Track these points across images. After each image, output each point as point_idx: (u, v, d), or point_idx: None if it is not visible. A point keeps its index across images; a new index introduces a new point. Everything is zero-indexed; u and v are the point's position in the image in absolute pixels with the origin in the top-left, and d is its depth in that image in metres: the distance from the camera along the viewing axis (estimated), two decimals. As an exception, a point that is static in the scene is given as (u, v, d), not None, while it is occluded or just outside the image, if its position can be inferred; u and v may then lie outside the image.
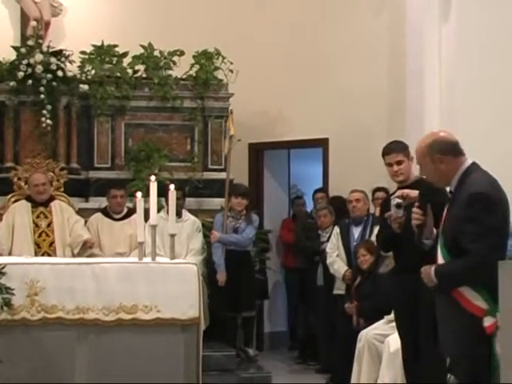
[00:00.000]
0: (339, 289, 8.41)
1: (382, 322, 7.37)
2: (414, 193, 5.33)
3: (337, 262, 8.37)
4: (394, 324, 6.90)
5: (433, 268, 4.53)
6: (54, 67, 9.20)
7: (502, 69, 7.70)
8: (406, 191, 5.43)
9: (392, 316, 7.00)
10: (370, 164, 8.87)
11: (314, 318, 9.32)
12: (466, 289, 4.40)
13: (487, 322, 4.38)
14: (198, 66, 9.63)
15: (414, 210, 4.76)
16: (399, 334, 5.96)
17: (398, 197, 5.43)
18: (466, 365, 4.42)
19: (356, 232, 8.41)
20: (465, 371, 4.47)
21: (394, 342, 6.68)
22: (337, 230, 8.52)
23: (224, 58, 9.57)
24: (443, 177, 4.59)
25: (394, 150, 5.90)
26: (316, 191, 10.11)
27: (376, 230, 7.99)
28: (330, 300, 8.56)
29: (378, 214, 8.45)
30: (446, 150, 4.55)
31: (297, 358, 9.73)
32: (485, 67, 7.76)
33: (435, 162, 4.56)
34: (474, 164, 4.57)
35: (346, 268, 8.29)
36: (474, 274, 4.38)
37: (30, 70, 9.16)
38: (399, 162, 5.85)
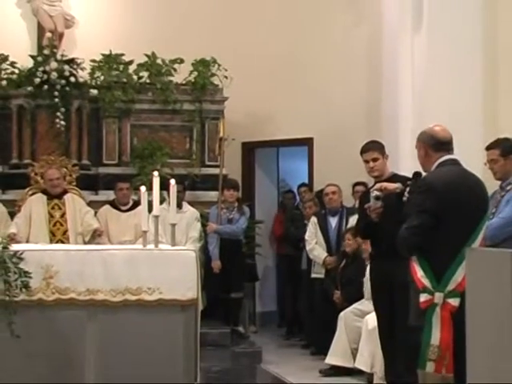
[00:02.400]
0: (318, 273, 8.42)
1: (362, 300, 7.39)
2: (392, 185, 5.35)
3: (316, 248, 8.37)
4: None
5: None
6: (67, 74, 9.18)
7: (466, 75, 7.71)
8: (384, 184, 5.44)
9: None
10: (350, 161, 8.84)
11: (299, 298, 9.33)
12: (414, 260, 4.46)
13: (423, 297, 4.42)
14: (196, 73, 9.61)
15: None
16: (376, 312, 5.96)
17: (376, 189, 5.43)
18: (415, 333, 4.54)
19: (333, 221, 8.43)
20: (409, 338, 4.64)
21: (372, 320, 6.69)
22: (314, 219, 8.51)
23: (220, 65, 9.56)
24: (423, 164, 4.71)
25: (371, 148, 5.91)
26: (300, 186, 10.13)
27: (351, 219, 8.07)
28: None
29: (358, 205, 8.51)
30: (429, 142, 4.65)
31: (285, 335, 9.73)
32: (452, 75, 7.76)
33: (420, 148, 4.69)
34: (449, 160, 4.61)
35: (325, 254, 8.30)
36: (400, 245, 4.54)
37: (45, 77, 9.14)
38: (375, 160, 5.85)
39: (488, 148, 5.73)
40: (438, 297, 4.37)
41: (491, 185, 5.32)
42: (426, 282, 4.40)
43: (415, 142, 4.81)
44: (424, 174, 4.83)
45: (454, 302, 4.33)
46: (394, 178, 5.78)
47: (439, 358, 4.33)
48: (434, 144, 4.63)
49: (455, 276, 4.33)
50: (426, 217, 4.42)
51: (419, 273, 4.43)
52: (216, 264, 8.51)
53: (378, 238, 5.74)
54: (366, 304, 7.19)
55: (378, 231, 5.62)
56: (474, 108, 7.64)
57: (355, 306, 7.40)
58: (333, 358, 7.38)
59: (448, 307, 4.35)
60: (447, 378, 4.35)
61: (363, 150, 5.93)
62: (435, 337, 4.35)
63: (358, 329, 7.14)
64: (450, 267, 4.35)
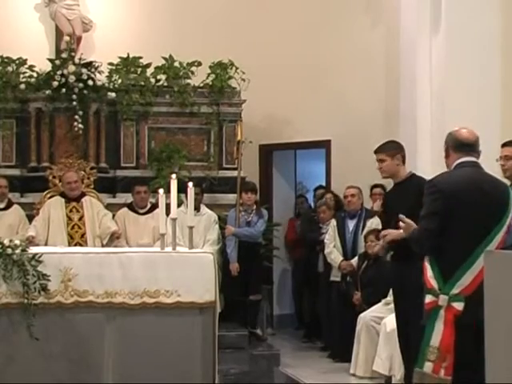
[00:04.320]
0: (336, 276, 8.41)
1: (379, 305, 7.37)
2: (395, 234, 5.25)
3: (333, 252, 8.35)
4: (389, 306, 6.96)
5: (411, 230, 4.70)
6: (85, 77, 9.22)
7: (485, 76, 7.70)
8: (388, 235, 5.38)
9: (388, 299, 7.05)
10: (367, 163, 8.79)
11: (317, 301, 9.32)
12: (427, 263, 4.46)
13: (427, 299, 4.41)
14: (213, 76, 9.63)
15: None
16: (395, 314, 5.97)
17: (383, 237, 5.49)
18: (418, 330, 4.63)
19: (351, 224, 8.40)
20: (415, 335, 4.74)
21: (390, 322, 6.71)
22: (334, 222, 8.49)
23: (237, 68, 9.57)
24: (447, 166, 4.73)
25: (377, 150, 5.97)
26: (316, 188, 10.11)
27: (368, 222, 8.08)
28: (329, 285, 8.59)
29: (375, 208, 8.54)
30: (450, 143, 4.68)
31: (303, 338, 9.72)
32: (470, 76, 7.75)
33: (445, 152, 4.74)
34: (467, 162, 4.59)
35: (341, 258, 8.27)
36: (415, 245, 4.60)
37: (63, 80, 9.19)
38: (381, 161, 5.88)
39: (504, 145, 5.73)
40: (443, 299, 4.36)
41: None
42: (434, 283, 4.40)
43: (436, 143, 4.84)
44: None
45: (458, 306, 4.32)
46: (412, 178, 5.78)
47: (438, 359, 4.33)
48: (455, 145, 4.63)
49: (462, 280, 4.32)
50: (436, 218, 4.42)
51: (429, 273, 4.43)
52: (234, 266, 8.52)
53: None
54: (383, 310, 7.18)
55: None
56: (493, 108, 7.62)
57: (373, 313, 7.37)
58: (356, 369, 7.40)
59: (452, 310, 4.34)
60: (445, 380, 4.35)
61: (374, 152, 5.99)
62: (435, 338, 4.35)
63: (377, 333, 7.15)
64: (458, 270, 4.34)
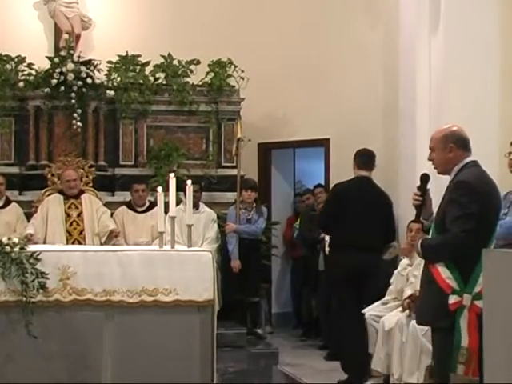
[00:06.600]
0: None
1: (377, 303, 7.36)
2: None
3: None
4: (388, 305, 6.96)
5: (420, 240, 4.53)
6: (83, 75, 9.22)
7: (483, 75, 7.69)
8: None
9: (386, 298, 7.07)
10: (366, 162, 8.83)
11: (316, 300, 9.31)
12: (440, 265, 4.40)
13: (452, 299, 4.38)
14: (212, 74, 9.63)
15: (415, 191, 4.75)
16: None
17: None
18: (436, 335, 4.53)
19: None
20: (435, 340, 4.58)
21: (388, 321, 6.71)
22: None
23: (236, 66, 9.57)
24: (446, 164, 4.58)
25: None
26: (315, 187, 10.10)
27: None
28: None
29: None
30: (459, 142, 4.56)
31: (301, 336, 9.72)
32: (469, 74, 7.74)
33: (446, 149, 4.56)
34: (474, 161, 4.57)
35: None
36: (448, 250, 4.39)
37: (62, 78, 9.18)
38: None
39: None
40: (466, 298, 4.34)
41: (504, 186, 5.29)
42: (454, 284, 4.36)
43: (433, 143, 4.74)
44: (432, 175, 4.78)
45: (481, 304, 4.30)
46: None
47: (467, 360, 4.31)
48: (464, 143, 4.57)
49: (481, 278, 4.30)
50: (473, 219, 4.35)
51: (444, 274, 4.37)
52: (236, 263, 8.51)
53: None
54: (382, 309, 7.18)
55: None
56: (492, 107, 7.61)
57: (372, 312, 7.36)
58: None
59: (475, 309, 4.32)
60: (473, 381, 4.34)
61: None
62: (464, 340, 4.32)
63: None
64: (475, 269, 4.32)
